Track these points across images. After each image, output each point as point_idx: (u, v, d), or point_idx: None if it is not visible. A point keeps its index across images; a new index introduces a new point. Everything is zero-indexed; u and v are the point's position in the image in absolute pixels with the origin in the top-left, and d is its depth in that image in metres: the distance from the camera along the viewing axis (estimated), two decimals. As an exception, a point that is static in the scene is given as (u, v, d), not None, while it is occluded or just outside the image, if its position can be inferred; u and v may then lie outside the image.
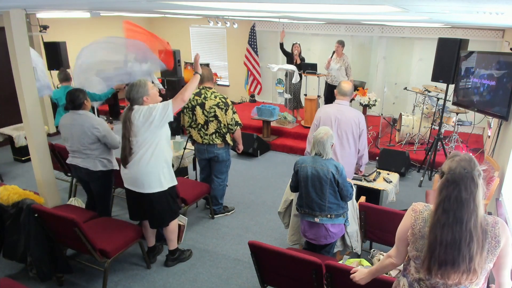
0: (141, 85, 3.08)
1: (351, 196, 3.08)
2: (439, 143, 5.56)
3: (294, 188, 3.18)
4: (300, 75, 7.22)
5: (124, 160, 3.13)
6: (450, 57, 5.00)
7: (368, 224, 3.40)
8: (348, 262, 2.89)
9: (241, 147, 4.44)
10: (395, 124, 6.97)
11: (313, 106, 7.10)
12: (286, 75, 7.39)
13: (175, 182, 3.34)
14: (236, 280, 3.46)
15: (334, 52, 6.98)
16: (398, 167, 5.61)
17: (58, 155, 4.53)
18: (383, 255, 2.64)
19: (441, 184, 1.59)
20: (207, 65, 9.48)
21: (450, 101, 5.41)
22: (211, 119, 4.05)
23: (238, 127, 4.15)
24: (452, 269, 1.57)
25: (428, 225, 1.65)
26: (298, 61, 7.27)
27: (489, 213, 2.01)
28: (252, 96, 9.57)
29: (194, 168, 5.28)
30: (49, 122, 7.06)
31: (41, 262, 3.13)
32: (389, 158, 5.80)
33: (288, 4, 2.61)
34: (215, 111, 4.03)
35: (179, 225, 3.62)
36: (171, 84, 8.49)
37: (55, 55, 6.64)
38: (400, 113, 6.76)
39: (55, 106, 5.36)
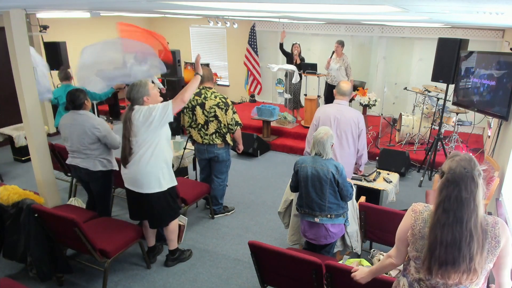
0: (142, 85, 3.09)
1: (351, 196, 3.08)
2: (439, 143, 5.56)
3: (294, 188, 3.18)
4: (300, 75, 7.22)
5: (124, 160, 3.14)
6: (450, 57, 5.00)
7: (368, 224, 3.40)
8: (348, 262, 2.89)
9: (241, 147, 4.44)
10: (395, 124, 6.97)
11: (313, 106, 7.09)
12: (286, 75, 7.40)
13: (174, 183, 3.34)
14: (236, 280, 3.46)
15: (333, 52, 6.98)
16: (398, 167, 5.61)
17: (58, 155, 4.53)
18: (383, 255, 2.64)
19: (441, 184, 1.59)
20: (207, 65, 9.48)
21: (450, 101, 5.41)
22: (211, 119, 4.05)
23: (238, 127, 4.15)
24: (453, 268, 1.57)
25: (428, 225, 1.65)
26: (298, 61, 7.27)
27: (489, 213, 2.02)
28: (252, 96, 9.57)
29: (194, 168, 5.28)
30: (49, 122, 7.06)
31: (41, 262, 3.13)
32: (389, 158, 5.80)
33: (288, 4, 2.61)
34: (215, 111, 4.03)
35: (179, 225, 3.62)
36: (171, 84, 8.49)
37: (55, 55, 6.64)
38: (400, 113, 6.76)
39: (55, 106, 5.36)
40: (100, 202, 3.79)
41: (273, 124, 7.22)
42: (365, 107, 6.93)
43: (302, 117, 7.70)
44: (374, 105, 6.81)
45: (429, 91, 6.21)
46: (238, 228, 4.34)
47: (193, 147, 4.62)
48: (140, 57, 3.81)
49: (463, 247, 1.54)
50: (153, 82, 3.34)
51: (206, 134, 4.12)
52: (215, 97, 4.05)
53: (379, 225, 3.34)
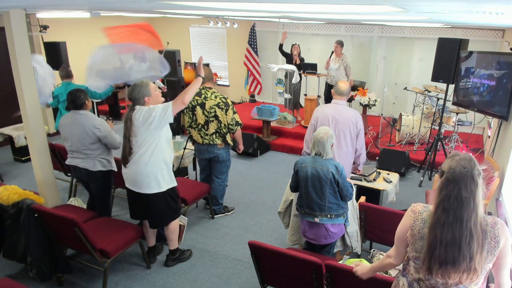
0: (143, 86, 3.09)
1: (351, 196, 3.08)
2: (439, 143, 5.56)
3: (294, 188, 3.18)
4: (300, 75, 7.22)
5: (124, 159, 3.14)
6: (450, 57, 5.00)
7: (368, 224, 3.40)
8: (348, 262, 2.89)
9: (241, 147, 4.44)
10: (395, 124, 6.97)
11: (313, 106, 7.09)
12: (286, 75, 7.39)
13: (174, 184, 3.34)
14: (236, 280, 3.46)
15: (332, 52, 6.98)
16: (398, 167, 5.61)
17: (58, 155, 4.53)
18: (383, 255, 2.64)
19: (441, 183, 1.60)
20: (207, 65, 9.46)
21: (450, 101, 5.41)
22: (211, 119, 4.05)
23: (239, 127, 4.15)
24: (453, 268, 1.57)
25: (428, 226, 1.65)
26: (298, 62, 7.28)
27: (489, 213, 2.02)
28: (252, 96, 9.57)
29: (194, 168, 5.28)
30: (49, 122, 7.06)
31: (41, 262, 3.13)
32: (389, 158, 5.80)
33: (288, 4, 2.61)
34: (215, 111, 4.03)
35: (180, 225, 3.62)
36: (171, 84, 8.48)
37: (55, 55, 6.64)
38: (400, 113, 6.76)
39: (55, 108, 5.35)
40: (100, 202, 3.79)
41: (273, 124, 7.22)
42: (365, 107, 6.93)
43: (302, 117, 7.70)
44: (374, 105, 6.81)
45: (429, 91, 6.21)
46: (238, 228, 4.34)
47: (193, 147, 4.62)
48: (139, 56, 3.81)
49: (463, 246, 1.54)
50: (153, 82, 3.34)
51: (206, 134, 4.12)
52: (215, 97, 4.05)
53: (379, 225, 3.34)
